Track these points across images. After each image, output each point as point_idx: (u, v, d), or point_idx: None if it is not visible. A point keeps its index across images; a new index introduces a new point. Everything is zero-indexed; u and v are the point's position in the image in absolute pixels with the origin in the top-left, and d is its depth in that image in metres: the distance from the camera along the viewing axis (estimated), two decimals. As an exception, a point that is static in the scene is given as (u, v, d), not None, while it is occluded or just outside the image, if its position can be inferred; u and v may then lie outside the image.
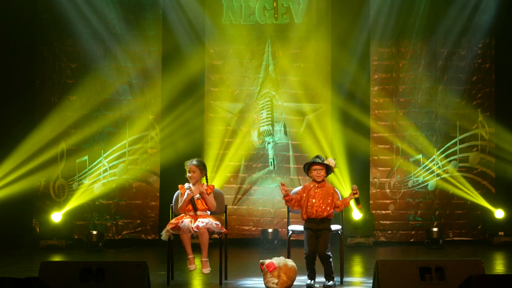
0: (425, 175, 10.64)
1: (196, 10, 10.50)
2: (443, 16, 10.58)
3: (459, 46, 10.66)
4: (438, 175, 10.64)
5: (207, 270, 7.05)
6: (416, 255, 9.63)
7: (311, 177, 7.06)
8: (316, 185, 7.01)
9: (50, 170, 10.34)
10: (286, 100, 10.59)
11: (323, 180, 7.02)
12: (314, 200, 6.96)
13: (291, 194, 7.16)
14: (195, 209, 7.13)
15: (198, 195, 7.17)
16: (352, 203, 7.20)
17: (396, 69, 10.69)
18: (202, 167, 7.27)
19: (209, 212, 7.25)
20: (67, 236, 10.16)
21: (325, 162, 6.98)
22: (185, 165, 7.28)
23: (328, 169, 7.00)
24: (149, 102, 10.53)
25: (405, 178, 10.66)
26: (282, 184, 7.02)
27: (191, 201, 7.12)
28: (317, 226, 6.95)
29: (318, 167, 6.98)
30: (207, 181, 7.34)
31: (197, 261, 7.32)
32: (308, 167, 7.04)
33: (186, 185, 7.19)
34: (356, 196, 6.95)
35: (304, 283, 7.01)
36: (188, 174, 7.23)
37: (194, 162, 7.26)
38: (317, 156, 7.06)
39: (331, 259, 6.95)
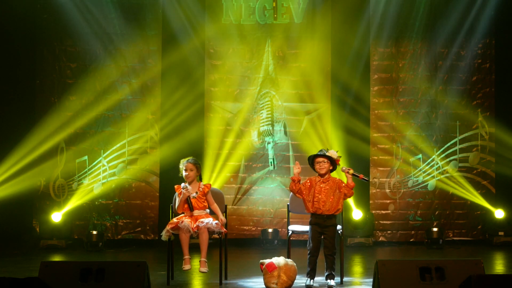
0: (425, 175, 10.64)
1: (196, 9, 10.50)
2: (443, 16, 10.59)
3: (459, 46, 10.66)
4: (438, 175, 10.64)
5: (204, 269, 7.03)
6: (416, 255, 9.63)
7: (316, 171, 7.04)
8: (321, 180, 6.97)
9: (50, 170, 10.35)
10: (286, 100, 10.60)
11: (327, 174, 6.98)
12: (320, 196, 6.93)
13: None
14: (191, 208, 7.10)
15: (194, 194, 7.15)
16: (354, 179, 7.03)
17: (396, 69, 10.69)
18: (198, 166, 7.24)
19: (208, 211, 7.24)
20: (67, 236, 10.16)
21: (327, 154, 6.96)
22: (181, 164, 7.25)
23: (333, 162, 6.97)
24: (149, 102, 10.53)
25: (405, 178, 10.66)
26: (297, 163, 7.00)
27: (187, 200, 7.11)
28: (323, 222, 6.94)
29: (320, 159, 6.96)
30: (201, 180, 7.31)
31: (197, 261, 7.32)
32: (312, 161, 7.03)
33: (183, 184, 7.17)
34: (351, 172, 6.90)
35: (304, 283, 7.01)
36: (184, 173, 7.20)
37: (191, 160, 7.22)
38: (321, 150, 7.05)
39: (335, 256, 6.95)
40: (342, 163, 7.45)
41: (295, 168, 6.99)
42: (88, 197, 10.42)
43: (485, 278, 5.41)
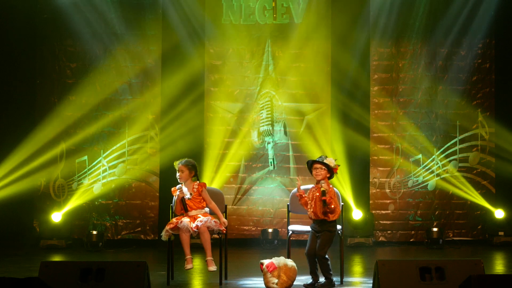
0: (425, 175, 10.64)
1: (196, 10, 10.50)
2: (443, 16, 10.59)
3: (459, 46, 10.66)
4: (438, 175, 10.64)
5: (213, 267, 7.04)
6: (416, 255, 9.63)
7: (313, 177, 7.04)
8: (315, 186, 6.99)
9: (50, 170, 10.35)
10: (286, 100, 10.59)
11: (322, 180, 6.99)
12: (312, 203, 6.95)
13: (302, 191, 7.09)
14: (186, 209, 7.11)
15: (188, 195, 7.15)
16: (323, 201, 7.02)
17: (396, 69, 10.69)
18: (190, 167, 7.25)
19: (207, 210, 7.23)
20: (67, 236, 10.16)
21: (325, 161, 6.97)
22: (175, 166, 7.29)
23: (330, 170, 6.97)
24: (149, 102, 10.53)
25: (405, 178, 10.66)
26: (298, 180, 7.09)
27: (182, 201, 7.11)
28: (318, 227, 6.96)
29: (318, 166, 6.97)
30: (198, 180, 7.32)
31: (199, 261, 7.33)
32: (310, 167, 7.04)
33: (178, 186, 7.19)
34: (323, 197, 6.86)
35: (305, 283, 7.01)
36: (177, 174, 7.23)
37: (183, 162, 7.26)
38: (320, 156, 7.06)
39: (328, 262, 6.92)
40: (342, 168, 7.47)
41: (297, 184, 7.06)
42: (88, 197, 10.42)
43: (485, 278, 5.41)
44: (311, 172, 7.03)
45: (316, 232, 6.97)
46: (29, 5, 10.37)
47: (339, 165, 7.07)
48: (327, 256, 6.93)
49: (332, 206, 6.83)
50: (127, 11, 10.50)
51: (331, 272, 6.95)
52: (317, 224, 6.95)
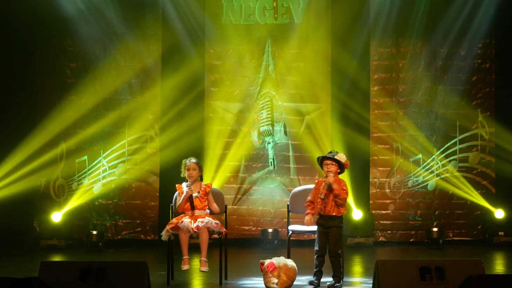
0: (425, 175, 10.64)
1: (196, 10, 10.50)
2: (443, 16, 10.59)
3: (459, 46, 10.67)
4: (438, 175, 10.64)
5: (204, 268, 7.04)
6: (416, 255, 9.63)
7: (324, 173, 7.05)
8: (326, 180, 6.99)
9: (50, 170, 10.35)
10: (286, 100, 10.59)
11: (334, 176, 6.99)
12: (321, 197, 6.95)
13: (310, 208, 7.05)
14: (193, 207, 7.13)
15: (196, 194, 7.17)
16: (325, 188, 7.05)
17: (396, 69, 10.69)
18: (200, 166, 7.33)
19: (208, 211, 7.25)
20: (67, 236, 10.16)
21: (336, 157, 6.97)
22: (183, 164, 7.29)
23: (341, 166, 6.98)
24: (149, 102, 10.53)
25: (405, 178, 10.66)
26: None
27: (189, 199, 7.13)
28: (326, 223, 6.94)
29: (328, 162, 6.97)
30: (202, 180, 7.35)
31: (196, 261, 7.32)
32: (320, 162, 7.03)
33: (187, 184, 7.20)
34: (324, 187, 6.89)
35: (305, 283, 7.01)
36: (187, 172, 7.23)
37: (194, 160, 7.29)
38: (330, 152, 7.06)
39: (340, 259, 6.93)
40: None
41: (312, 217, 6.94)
42: (88, 197, 10.42)
43: (485, 278, 5.41)
44: (322, 168, 7.04)
45: (325, 228, 6.94)
46: (29, 5, 10.37)
47: (348, 161, 7.09)
48: (340, 252, 6.93)
49: (342, 197, 6.86)
50: (127, 11, 10.50)
51: (342, 271, 6.96)
52: (325, 220, 6.93)
